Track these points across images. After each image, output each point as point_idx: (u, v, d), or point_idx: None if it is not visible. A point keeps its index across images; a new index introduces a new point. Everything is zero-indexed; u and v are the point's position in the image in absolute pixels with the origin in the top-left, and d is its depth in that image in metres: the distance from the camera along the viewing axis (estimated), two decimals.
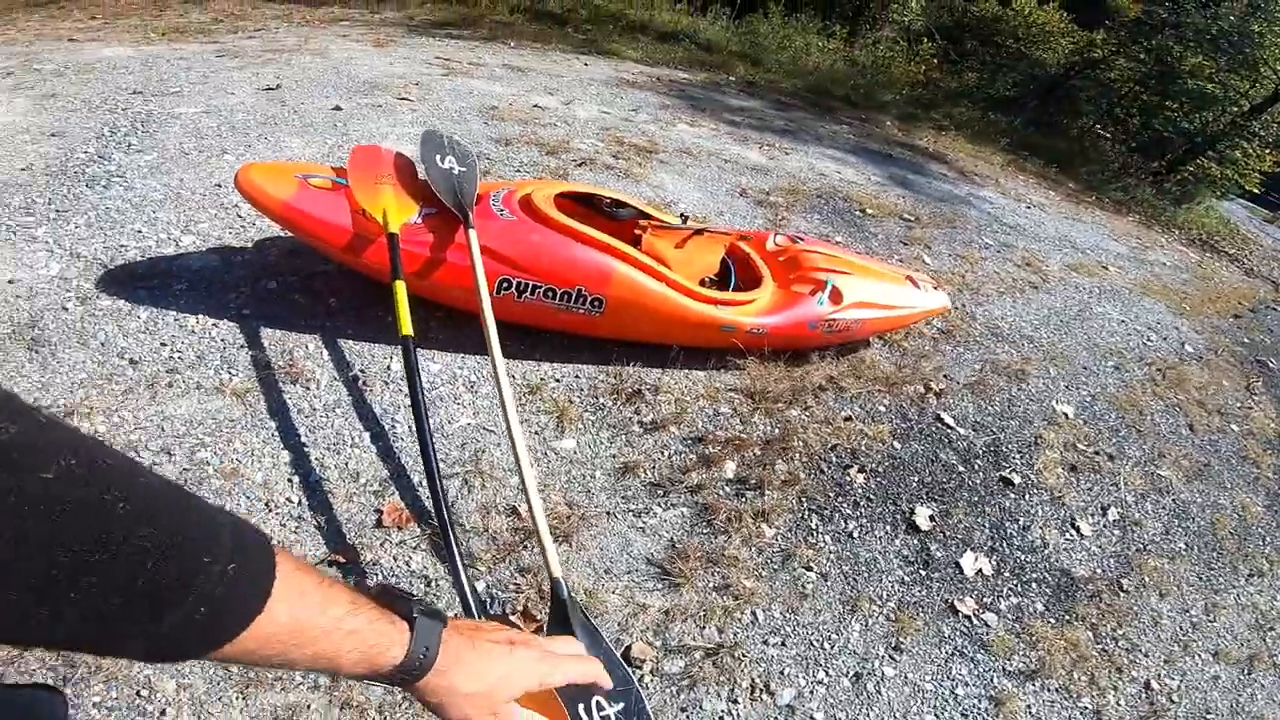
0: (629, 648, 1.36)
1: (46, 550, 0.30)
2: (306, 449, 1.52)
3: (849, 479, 1.89)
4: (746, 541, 1.63)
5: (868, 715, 1.38)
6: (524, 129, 3.34)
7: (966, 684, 1.51)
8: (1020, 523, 1.96)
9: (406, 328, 1.51)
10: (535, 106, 3.73)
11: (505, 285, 1.78)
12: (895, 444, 2.07)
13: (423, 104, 3.40)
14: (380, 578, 1.35)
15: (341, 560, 1.35)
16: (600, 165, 3.16)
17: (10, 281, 1.71)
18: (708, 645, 1.40)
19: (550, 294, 1.82)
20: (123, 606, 0.33)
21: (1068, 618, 1.74)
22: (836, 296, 2.16)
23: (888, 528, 1.80)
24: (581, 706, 1.15)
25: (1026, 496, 2.05)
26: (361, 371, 1.73)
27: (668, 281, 1.93)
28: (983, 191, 4.78)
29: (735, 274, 2.23)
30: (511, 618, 1.35)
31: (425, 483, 1.51)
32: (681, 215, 2.25)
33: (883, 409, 2.20)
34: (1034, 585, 1.80)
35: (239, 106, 2.94)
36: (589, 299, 1.85)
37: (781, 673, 1.40)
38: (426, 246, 1.74)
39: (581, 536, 1.52)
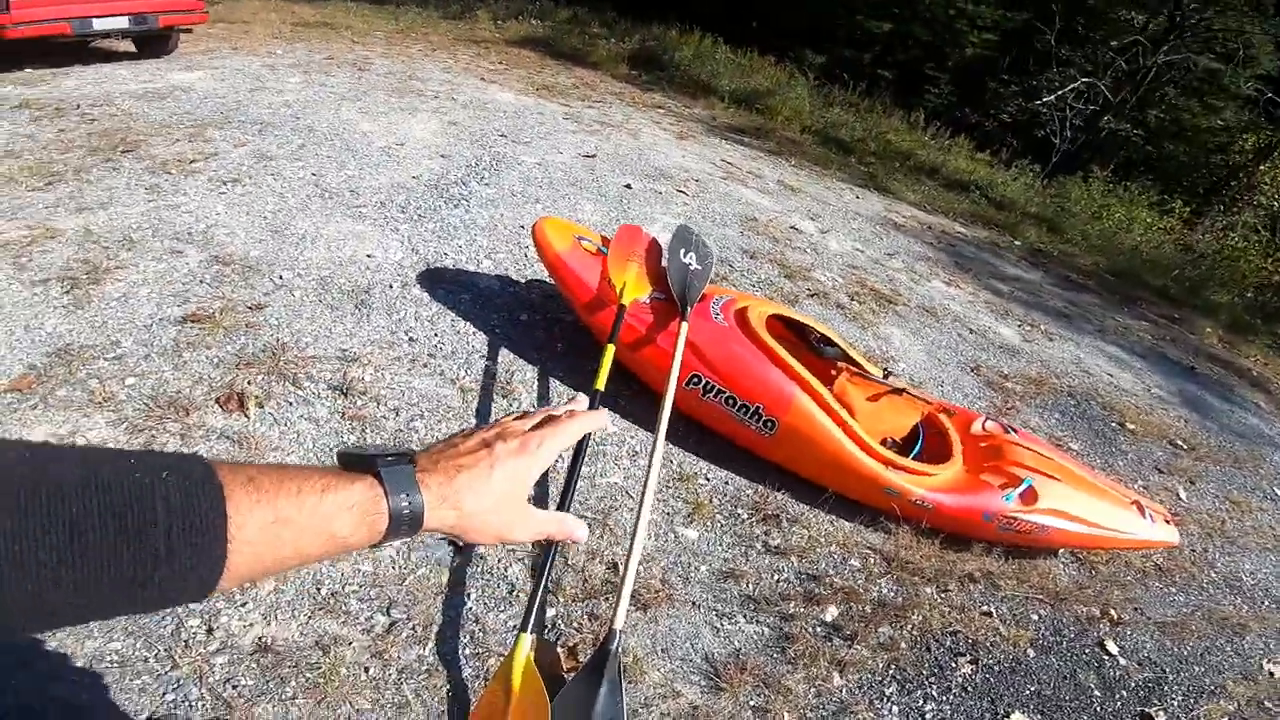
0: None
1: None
2: None
3: (954, 665, 1.68)
4: (809, 679, 1.53)
5: None
6: (774, 246, 3.61)
7: None
8: None
9: (600, 384, 1.76)
10: (792, 228, 3.99)
11: (695, 380, 1.96)
12: (1029, 650, 1.78)
13: (695, 199, 3.88)
14: (481, 568, 1.56)
15: (462, 544, 1.59)
16: (833, 302, 3.25)
17: (369, 255, 2.42)
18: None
19: (731, 401, 1.95)
20: (102, 597, 0.34)
21: None
22: (1030, 497, 1.93)
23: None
24: None
25: None
26: (557, 405, 2.05)
27: (845, 428, 1.93)
28: None
29: (923, 442, 2.12)
30: (559, 648, 1.45)
31: (562, 504, 1.72)
32: (885, 370, 2.23)
33: (1035, 617, 1.89)
34: None
35: (561, 165, 3.71)
36: (764, 418, 1.94)
37: None
38: (645, 325, 2.02)
39: (659, 612, 1.57)
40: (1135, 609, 2.05)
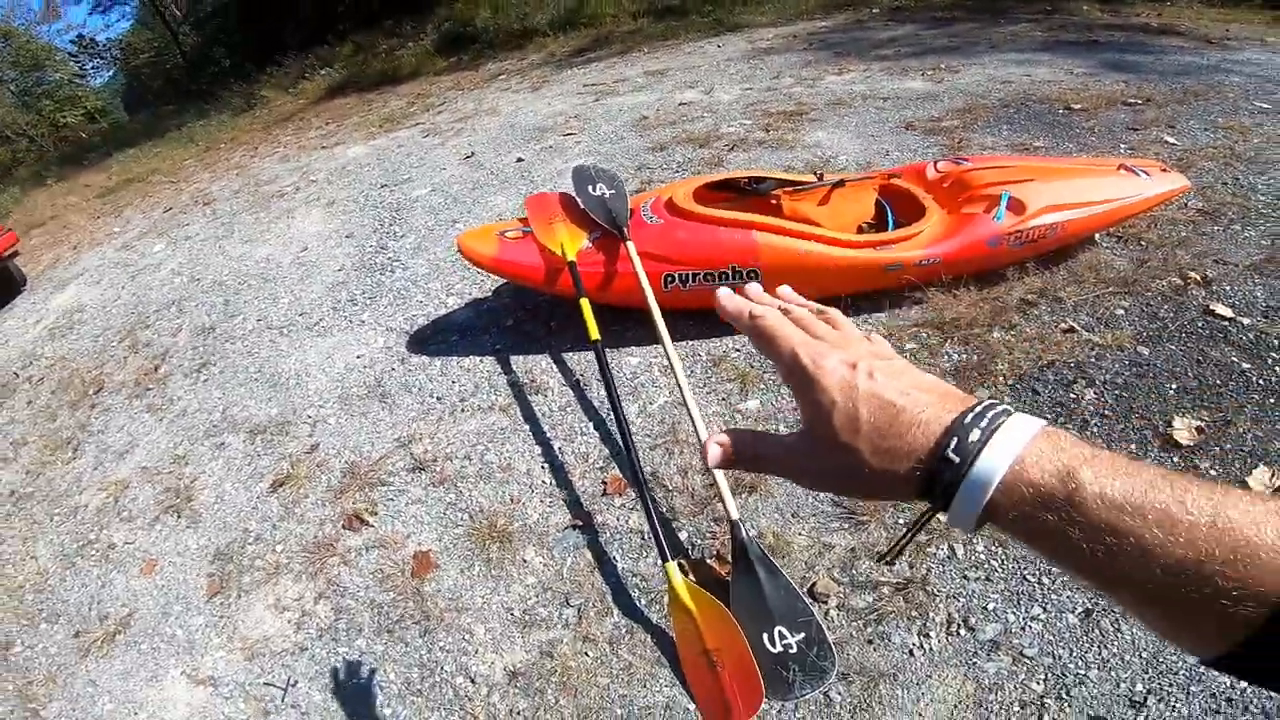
0: (813, 585, 1.48)
1: None
2: (552, 442, 1.96)
3: (1073, 396, 1.74)
4: None
5: (1100, 654, 1.30)
6: (674, 130, 3.60)
7: None
8: None
9: (594, 334, 1.85)
10: (680, 105, 3.96)
11: (670, 280, 2.04)
12: (1140, 349, 1.81)
13: (585, 134, 3.85)
14: (607, 535, 1.69)
15: (580, 524, 1.73)
16: (752, 143, 3.27)
17: (358, 356, 2.48)
18: (896, 581, 1.46)
19: (709, 278, 2.03)
20: None
21: None
22: (1017, 207, 2.01)
23: (1132, 447, 1.61)
24: (766, 637, 1.30)
25: None
26: (580, 376, 2.15)
27: (815, 238, 2.00)
28: (1241, 55, 3.72)
29: (892, 213, 2.20)
30: (709, 560, 1.59)
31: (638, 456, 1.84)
32: (816, 173, 2.28)
33: (1120, 312, 1.94)
34: None
35: (452, 180, 3.69)
36: (744, 273, 2.02)
37: (985, 608, 1.39)
38: (599, 265, 2.08)
39: (769, 485, 1.70)
40: (1215, 260, 2.02)
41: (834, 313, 0.44)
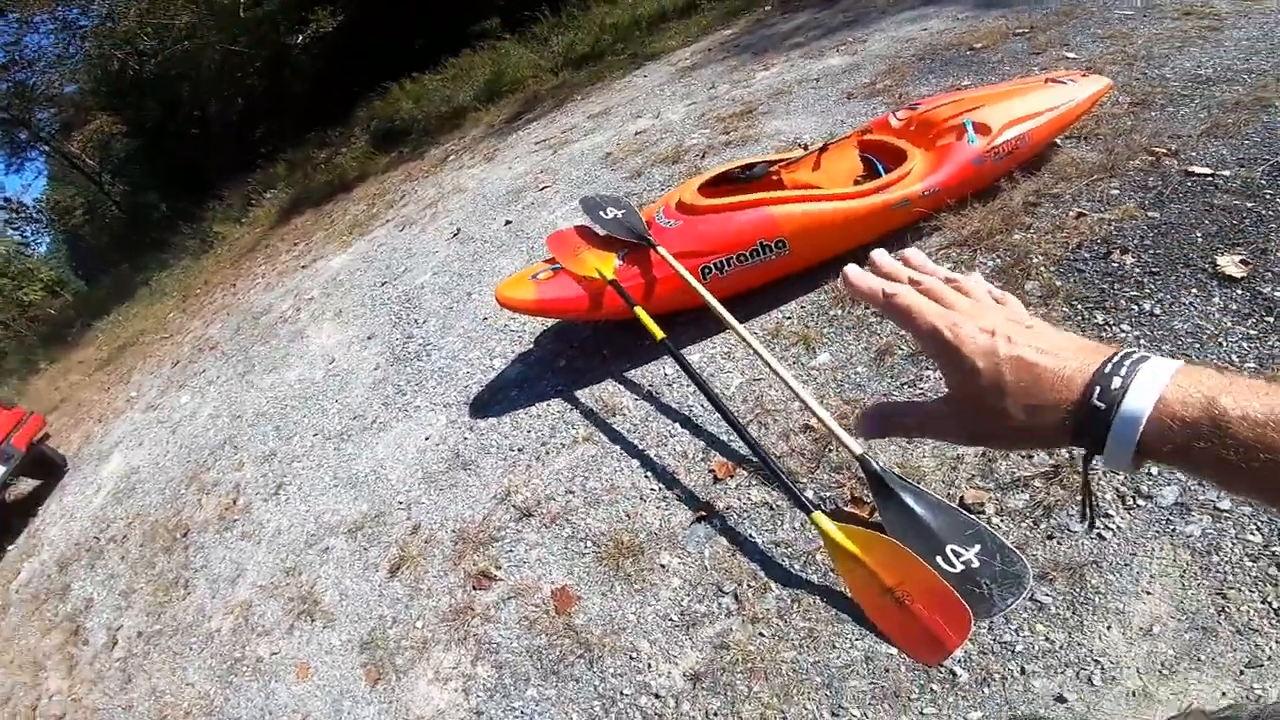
0: (961, 499, 1.50)
1: None
2: (645, 451, 2.04)
3: (1115, 264, 1.86)
4: None
5: None
6: (642, 156, 3.79)
7: None
8: None
9: (659, 333, 1.96)
10: (637, 134, 4.18)
11: (707, 271, 2.16)
12: (1151, 214, 1.96)
13: (559, 183, 4.03)
14: (735, 519, 1.75)
15: (704, 514, 1.79)
16: (719, 146, 3.46)
17: (426, 438, 2.55)
18: (1042, 470, 1.48)
19: (741, 259, 2.16)
20: None
21: None
22: (983, 129, 2.18)
23: (1194, 291, 1.71)
24: (940, 559, 1.23)
25: None
26: (650, 387, 2.23)
27: (823, 198, 2.15)
28: None
29: (880, 162, 2.36)
30: (846, 508, 1.63)
31: (734, 437, 1.92)
32: (800, 144, 2.45)
33: (1115, 191, 2.10)
34: None
35: (449, 258, 3.82)
36: (771, 246, 2.15)
37: (1149, 473, 1.34)
38: (638, 276, 2.20)
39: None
40: (1170, 136, 2.22)
41: (967, 279, 0.46)
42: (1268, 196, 1.89)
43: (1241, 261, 1.74)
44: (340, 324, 3.87)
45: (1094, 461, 0.38)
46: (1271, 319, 1.59)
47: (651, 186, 3.43)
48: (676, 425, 2.07)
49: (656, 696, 1.50)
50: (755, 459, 1.79)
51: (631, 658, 1.59)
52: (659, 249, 2.14)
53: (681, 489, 1.89)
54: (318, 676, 1.94)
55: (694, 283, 1.99)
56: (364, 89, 8.89)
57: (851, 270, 0.48)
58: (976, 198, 2.24)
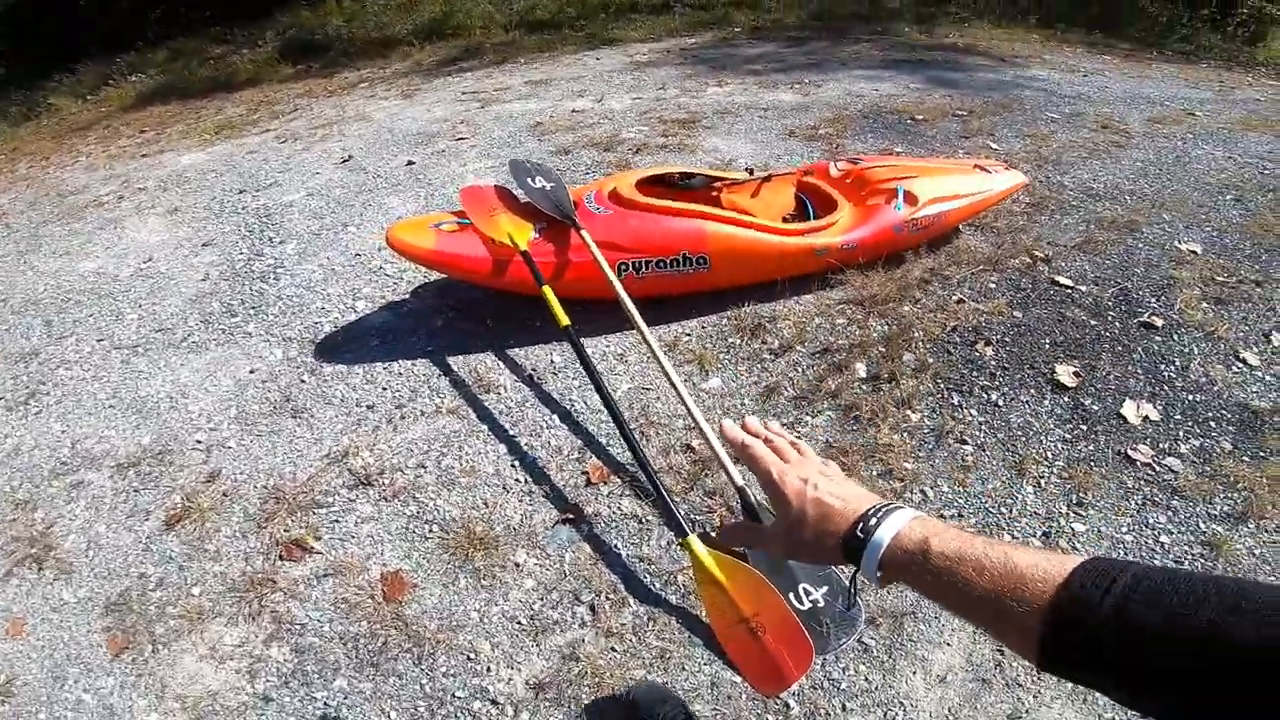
0: None
1: None
2: (517, 439, 1.86)
3: (978, 354, 2.04)
4: (895, 429, 1.83)
5: None
6: (574, 135, 3.61)
7: (1170, 532, 1.54)
8: (1176, 364, 1.96)
9: (565, 320, 1.80)
10: (573, 112, 3.99)
11: (624, 268, 2.05)
12: (1015, 313, 2.17)
13: (478, 138, 3.72)
14: (601, 525, 1.65)
15: (571, 517, 1.66)
16: (654, 147, 3.38)
17: (251, 371, 2.14)
18: None
19: (661, 264, 2.08)
20: None
21: (1262, 453, 1.69)
22: (910, 199, 2.31)
23: (1032, 391, 1.91)
24: (793, 595, 1.31)
25: (1175, 336, 2.05)
26: (533, 370, 2.06)
27: (755, 226, 2.15)
28: (1030, 71, 4.63)
29: (811, 205, 2.42)
30: (711, 533, 1.60)
31: (614, 442, 1.81)
32: (747, 169, 2.45)
33: (993, 285, 2.31)
34: (1213, 424, 1.77)
35: (331, 183, 3.35)
36: (694, 259, 2.09)
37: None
38: (552, 254, 2.04)
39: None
40: (1048, 243, 2.49)
41: (802, 444, 0.64)
42: (1109, 318, 2.17)
43: (1074, 373, 1.97)
44: (171, 222, 3.22)
45: (857, 574, 0.54)
46: (1085, 427, 1.82)
47: (576, 167, 3.26)
48: (555, 417, 1.92)
49: (494, 703, 1.34)
50: (634, 469, 1.71)
51: (469, 658, 1.41)
52: (582, 232, 1.99)
53: (550, 486, 1.74)
54: (36, 636, 1.51)
55: (611, 276, 1.86)
56: None
57: (726, 423, 0.67)
58: (885, 263, 2.35)
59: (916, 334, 2.11)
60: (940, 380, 1.98)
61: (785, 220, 2.34)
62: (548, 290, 1.88)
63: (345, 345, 2.22)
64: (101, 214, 3.46)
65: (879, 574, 0.51)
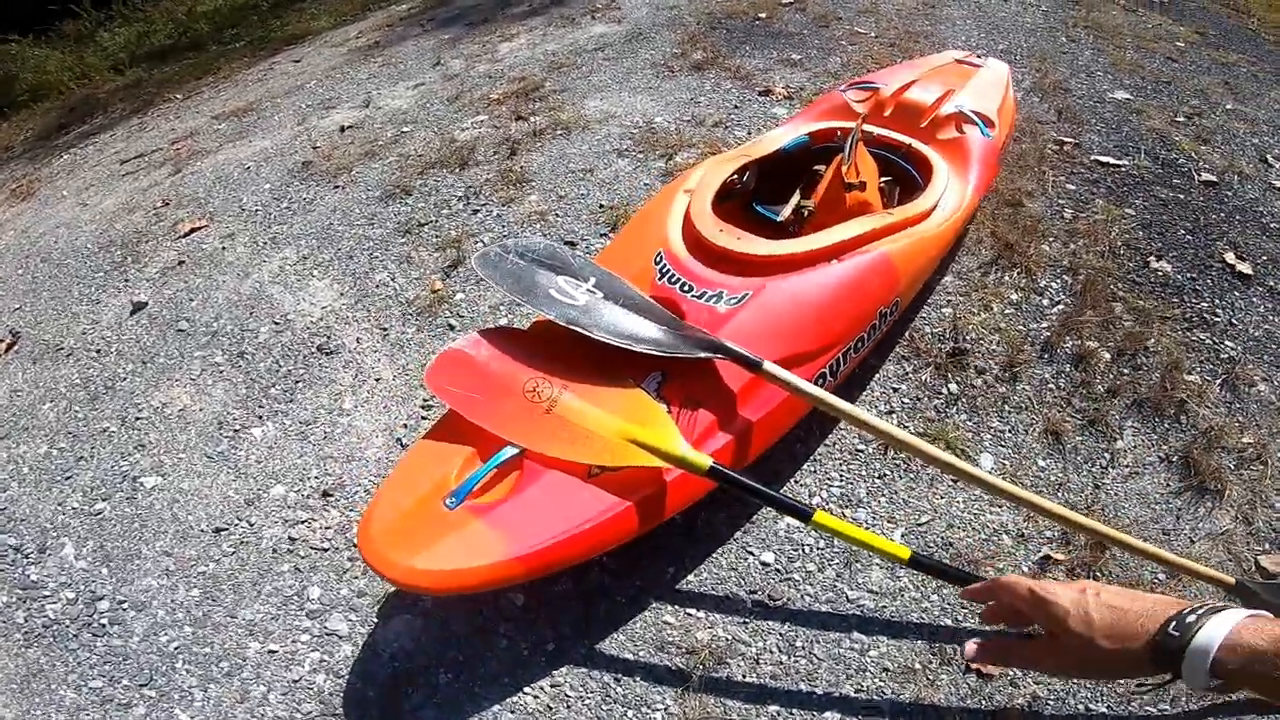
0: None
1: None
2: None
3: (1159, 272, 1.72)
4: (1201, 403, 1.41)
5: None
6: (380, 163, 2.30)
7: None
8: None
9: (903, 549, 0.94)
10: (344, 130, 2.60)
11: (821, 378, 1.18)
12: (1128, 211, 1.89)
13: (221, 220, 2.19)
14: None
15: None
16: (526, 136, 2.31)
17: None
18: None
19: (858, 345, 1.25)
20: None
21: None
22: (987, 120, 1.71)
23: (1235, 295, 1.67)
24: None
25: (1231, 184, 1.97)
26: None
27: (910, 221, 1.40)
28: None
29: (905, 163, 1.67)
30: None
31: None
32: (799, 207, 1.56)
33: (1073, 189, 1.97)
34: None
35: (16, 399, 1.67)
36: (887, 316, 1.32)
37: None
38: (715, 424, 1.08)
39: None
40: (1038, 122, 2.17)
41: None
42: (1176, 185, 2.00)
43: (1238, 256, 1.76)
44: None
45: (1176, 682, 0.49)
46: None
47: (426, 204, 2.06)
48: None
49: None
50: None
51: None
52: (765, 366, 1.04)
53: None
54: None
55: (825, 398, 1.02)
56: None
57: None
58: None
59: (1096, 279, 1.67)
60: (1170, 322, 1.59)
61: (882, 191, 1.60)
62: (821, 515, 0.96)
63: None
64: None
65: (1213, 680, 0.46)
